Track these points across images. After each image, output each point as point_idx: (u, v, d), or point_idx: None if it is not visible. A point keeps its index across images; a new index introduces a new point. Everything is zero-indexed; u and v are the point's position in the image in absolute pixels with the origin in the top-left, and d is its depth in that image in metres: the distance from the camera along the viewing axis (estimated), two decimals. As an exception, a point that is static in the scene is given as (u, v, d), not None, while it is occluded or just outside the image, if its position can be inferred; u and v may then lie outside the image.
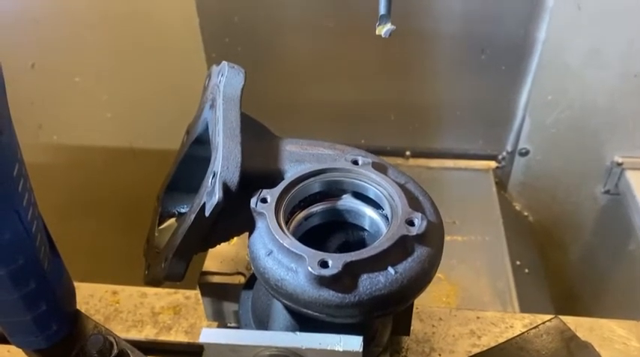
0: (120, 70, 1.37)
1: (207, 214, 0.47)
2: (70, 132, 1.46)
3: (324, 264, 0.42)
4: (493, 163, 1.41)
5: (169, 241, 0.55)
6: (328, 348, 0.42)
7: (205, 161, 0.54)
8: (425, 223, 0.44)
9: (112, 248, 1.40)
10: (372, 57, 1.28)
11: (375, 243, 0.44)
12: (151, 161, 1.25)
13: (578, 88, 1.21)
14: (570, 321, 0.79)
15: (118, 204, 1.45)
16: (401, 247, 0.44)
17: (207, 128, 0.56)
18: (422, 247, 0.45)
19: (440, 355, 0.71)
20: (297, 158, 0.53)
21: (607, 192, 1.33)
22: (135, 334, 0.79)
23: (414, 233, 0.44)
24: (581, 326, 0.78)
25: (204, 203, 0.48)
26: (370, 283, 0.43)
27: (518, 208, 1.44)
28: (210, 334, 0.43)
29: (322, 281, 0.42)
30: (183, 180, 0.63)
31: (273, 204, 0.47)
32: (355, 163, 0.51)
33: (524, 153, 1.34)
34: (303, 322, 0.48)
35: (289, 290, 0.43)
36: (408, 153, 1.42)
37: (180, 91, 1.16)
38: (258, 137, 0.55)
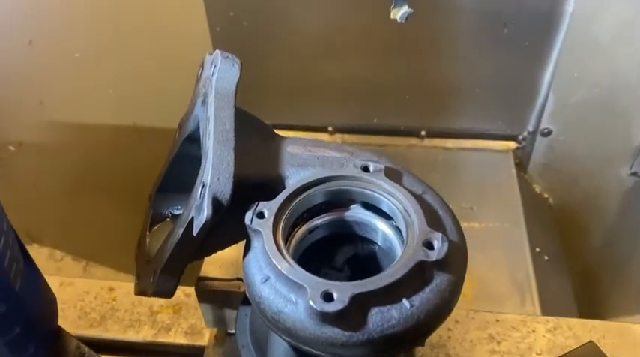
0: (121, 45, 1.31)
1: (194, 233, 0.41)
2: (73, 109, 1.42)
3: (327, 296, 0.36)
4: (513, 144, 1.34)
5: (158, 252, 0.49)
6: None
7: (198, 160, 0.48)
8: (446, 245, 0.38)
9: (116, 227, 1.37)
10: (386, 32, 1.20)
11: (387, 270, 0.38)
12: (155, 140, 1.21)
13: (607, 65, 1.14)
14: (598, 325, 0.75)
15: (122, 182, 1.42)
16: (417, 275, 0.38)
17: (199, 126, 0.50)
18: (442, 273, 0.38)
19: (456, 363, 0.67)
20: (300, 162, 0.47)
21: (634, 174, 1.27)
22: (132, 335, 0.76)
23: (434, 258, 0.38)
24: (609, 331, 0.74)
25: (192, 219, 0.42)
26: (382, 318, 0.37)
27: (538, 190, 1.38)
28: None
29: (326, 317, 0.36)
30: (175, 180, 0.57)
31: (271, 220, 0.41)
32: (365, 169, 0.44)
33: (547, 133, 1.28)
34: (305, 356, 0.42)
35: (287, 325, 0.37)
36: (423, 133, 1.35)
37: (183, 67, 1.10)
38: (255, 137, 0.48)
